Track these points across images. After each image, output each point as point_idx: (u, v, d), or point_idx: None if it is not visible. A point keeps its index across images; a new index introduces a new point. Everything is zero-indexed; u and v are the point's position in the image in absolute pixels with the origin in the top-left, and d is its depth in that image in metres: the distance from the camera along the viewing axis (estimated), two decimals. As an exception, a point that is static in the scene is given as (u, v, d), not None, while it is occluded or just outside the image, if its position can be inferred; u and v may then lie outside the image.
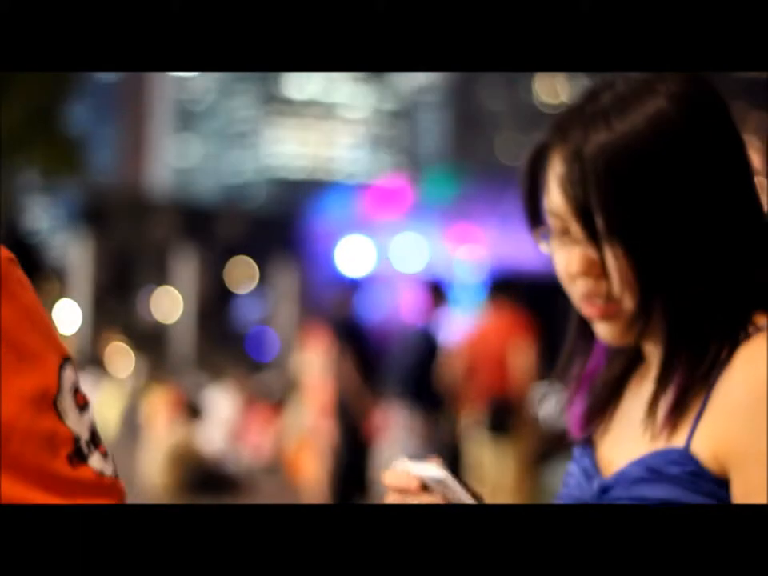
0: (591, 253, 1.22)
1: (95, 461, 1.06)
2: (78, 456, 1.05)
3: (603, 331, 1.27)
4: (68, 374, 1.05)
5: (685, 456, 1.20)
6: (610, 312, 1.24)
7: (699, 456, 1.19)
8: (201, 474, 10.38)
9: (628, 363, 1.35)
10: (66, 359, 1.04)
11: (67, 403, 1.04)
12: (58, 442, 1.02)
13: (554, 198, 1.25)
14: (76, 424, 1.04)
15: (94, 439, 1.07)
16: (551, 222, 1.26)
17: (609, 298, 1.24)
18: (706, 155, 1.21)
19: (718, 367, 1.20)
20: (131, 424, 17.24)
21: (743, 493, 1.16)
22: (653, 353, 1.29)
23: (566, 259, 1.25)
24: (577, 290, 1.26)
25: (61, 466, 1.03)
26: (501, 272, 8.17)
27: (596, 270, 1.23)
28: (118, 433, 17.82)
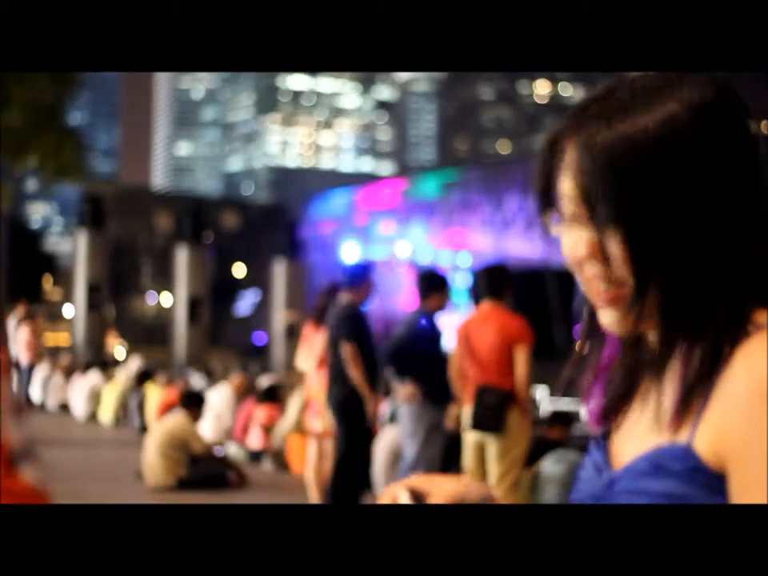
0: (597, 238, 1.25)
1: (28, 471, 1.10)
2: (12, 465, 1.09)
3: (606, 318, 1.29)
4: (7, 388, 1.10)
5: (687, 452, 1.21)
6: (614, 298, 1.26)
7: (701, 452, 1.20)
8: (195, 462, 10.38)
9: (641, 357, 1.36)
10: (8, 371, 1.09)
11: (7, 414, 1.08)
12: None
13: (566, 183, 1.27)
14: (13, 434, 1.09)
15: (29, 450, 1.11)
16: (563, 206, 1.29)
17: (612, 283, 1.26)
18: (715, 161, 1.22)
19: (720, 364, 1.21)
20: (128, 413, 17.27)
21: (740, 488, 1.17)
22: (656, 347, 1.30)
23: (574, 243, 1.28)
24: (583, 275, 1.29)
25: None
26: (493, 263, 8.03)
27: (600, 255, 1.25)
28: (113, 420, 17.85)
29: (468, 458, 7.16)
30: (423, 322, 7.51)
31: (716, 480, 1.20)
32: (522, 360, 6.96)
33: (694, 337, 1.23)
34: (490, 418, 6.92)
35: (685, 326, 1.24)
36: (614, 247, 1.24)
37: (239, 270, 47.06)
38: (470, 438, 7.08)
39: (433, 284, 7.70)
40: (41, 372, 20.77)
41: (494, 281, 7.31)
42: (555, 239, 1.34)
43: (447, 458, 7.75)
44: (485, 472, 7.11)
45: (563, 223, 1.30)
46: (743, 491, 1.17)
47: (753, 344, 1.20)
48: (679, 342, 1.25)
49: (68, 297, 36.46)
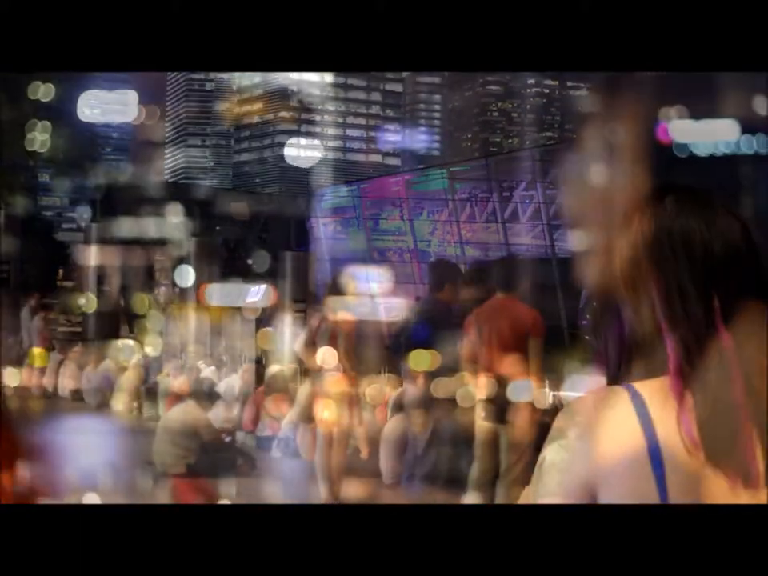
0: (610, 191, 1.25)
1: None
2: None
3: (590, 267, 1.29)
4: None
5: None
6: (604, 247, 1.26)
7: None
8: (205, 449, 10.40)
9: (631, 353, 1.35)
10: None
11: None
12: None
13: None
14: None
15: None
16: (585, 166, 1.29)
17: (606, 233, 1.26)
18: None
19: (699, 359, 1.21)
20: (140, 402, 17.32)
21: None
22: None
23: (588, 193, 1.27)
24: (585, 223, 1.28)
25: None
26: (503, 255, 8.04)
27: (607, 206, 1.26)
28: (125, 409, 17.91)
29: (479, 447, 7.15)
30: (437, 311, 7.44)
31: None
32: (536, 352, 6.94)
33: (677, 327, 1.23)
34: (508, 411, 6.89)
35: (677, 311, 1.23)
36: (622, 201, 1.24)
37: (248, 261, 47.09)
38: (483, 428, 7.06)
39: (448, 275, 7.65)
40: (53, 360, 20.82)
41: (506, 272, 7.28)
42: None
43: (457, 447, 7.73)
44: (496, 461, 7.10)
45: (581, 181, 1.29)
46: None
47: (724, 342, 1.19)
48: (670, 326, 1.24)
49: (80, 287, 36.52)
